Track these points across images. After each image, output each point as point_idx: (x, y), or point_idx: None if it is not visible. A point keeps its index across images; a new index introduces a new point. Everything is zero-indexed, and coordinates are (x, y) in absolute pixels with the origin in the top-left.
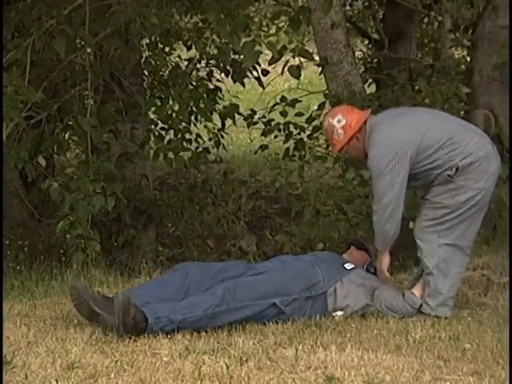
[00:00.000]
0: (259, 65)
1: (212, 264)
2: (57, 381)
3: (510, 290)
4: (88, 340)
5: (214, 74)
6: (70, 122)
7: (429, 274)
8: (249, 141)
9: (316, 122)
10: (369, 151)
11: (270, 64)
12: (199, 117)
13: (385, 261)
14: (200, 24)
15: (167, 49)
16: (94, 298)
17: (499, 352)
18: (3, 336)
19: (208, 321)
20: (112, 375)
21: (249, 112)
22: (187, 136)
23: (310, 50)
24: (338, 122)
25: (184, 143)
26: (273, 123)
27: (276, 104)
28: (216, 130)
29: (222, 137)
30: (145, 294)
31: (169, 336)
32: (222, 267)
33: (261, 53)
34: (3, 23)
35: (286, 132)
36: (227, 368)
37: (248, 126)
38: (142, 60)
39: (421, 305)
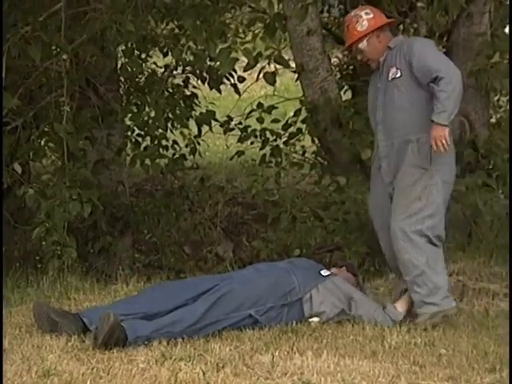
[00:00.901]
0: (235, 71)
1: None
2: None
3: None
4: (64, 347)
5: (191, 81)
6: (46, 129)
7: (420, 274)
8: (225, 147)
9: (292, 129)
10: (408, 45)
11: (245, 70)
12: (176, 123)
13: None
14: (176, 31)
15: (143, 55)
16: (53, 309)
17: (474, 357)
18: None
19: (185, 335)
20: (88, 382)
21: (225, 118)
22: (164, 142)
23: (287, 57)
24: (366, 14)
25: (160, 150)
26: (249, 130)
27: (252, 110)
28: (192, 137)
29: (199, 143)
30: (128, 308)
31: (145, 342)
32: (199, 282)
33: (237, 59)
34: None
35: (263, 138)
36: (204, 374)
37: (224, 133)
38: (118, 67)
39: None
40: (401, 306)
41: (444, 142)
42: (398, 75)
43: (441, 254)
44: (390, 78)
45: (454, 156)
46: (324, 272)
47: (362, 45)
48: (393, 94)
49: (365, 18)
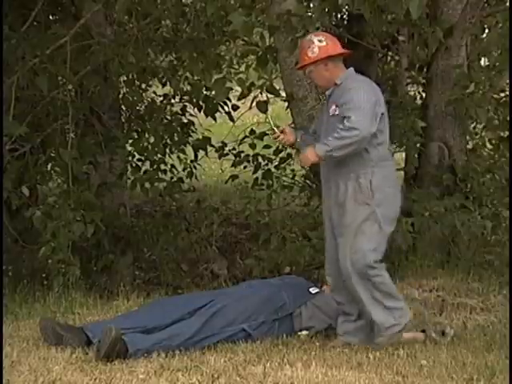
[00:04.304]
0: (229, 100)
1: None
2: None
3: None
4: (69, 359)
5: (188, 109)
6: (52, 154)
7: (362, 307)
8: (220, 171)
9: (283, 154)
10: (349, 84)
11: (238, 99)
12: (173, 149)
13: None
14: (174, 62)
15: (143, 85)
16: (59, 324)
17: (453, 368)
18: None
19: (183, 348)
20: None
21: (220, 144)
22: (162, 167)
23: (277, 87)
24: (319, 41)
25: (159, 173)
26: (242, 155)
27: (245, 137)
28: (189, 161)
29: (195, 167)
30: (128, 322)
31: (145, 354)
32: (195, 298)
33: (231, 89)
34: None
35: (255, 163)
36: None
37: (219, 158)
38: (120, 96)
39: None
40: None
41: (307, 165)
42: (337, 113)
43: (387, 284)
44: (330, 114)
45: (399, 193)
46: (313, 289)
47: (310, 70)
48: (332, 130)
49: (316, 45)
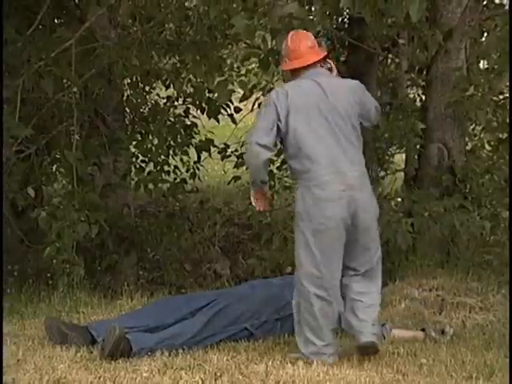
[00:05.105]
0: (232, 102)
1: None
2: None
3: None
4: (73, 357)
5: (191, 111)
6: (57, 156)
7: (297, 322)
8: (223, 172)
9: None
10: None
11: (240, 101)
12: (177, 150)
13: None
14: (177, 65)
15: (147, 88)
16: (64, 323)
17: (453, 366)
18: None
19: (186, 347)
20: None
21: (223, 146)
22: (166, 168)
23: None
24: (281, 51)
25: (163, 175)
26: None
27: None
28: (192, 163)
29: (198, 169)
30: (132, 321)
31: (148, 353)
32: (198, 297)
33: (233, 91)
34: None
35: None
36: (203, 383)
37: (222, 159)
38: (124, 98)
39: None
40: (399, 333)
41: (253, 203)
42: None
43: (316, 311)
44: None
45: (318, 205)
46: None
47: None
48: None
49: (284, 54)
